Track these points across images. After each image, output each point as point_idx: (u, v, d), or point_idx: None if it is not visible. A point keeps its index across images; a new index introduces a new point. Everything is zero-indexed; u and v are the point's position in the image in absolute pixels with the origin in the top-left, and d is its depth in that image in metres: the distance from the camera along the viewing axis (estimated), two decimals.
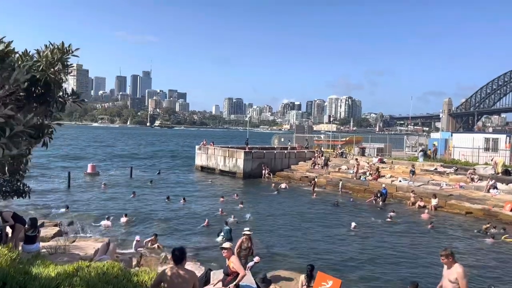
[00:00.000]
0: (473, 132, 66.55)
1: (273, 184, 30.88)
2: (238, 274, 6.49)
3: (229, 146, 42.59)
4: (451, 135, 38.70)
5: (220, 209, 20.84)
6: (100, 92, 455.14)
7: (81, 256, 9.70)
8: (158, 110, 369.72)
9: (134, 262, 11.68)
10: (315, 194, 27.59)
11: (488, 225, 18.73)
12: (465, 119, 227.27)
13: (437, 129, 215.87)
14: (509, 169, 27.63)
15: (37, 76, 3.63)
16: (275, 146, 43.81)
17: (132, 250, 14.43)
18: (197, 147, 42.87)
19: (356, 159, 33.43)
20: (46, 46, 3.85)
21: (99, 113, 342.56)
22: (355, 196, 27.25)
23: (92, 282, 6.24)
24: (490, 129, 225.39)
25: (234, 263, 6.62)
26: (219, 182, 33.25)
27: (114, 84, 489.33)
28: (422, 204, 23.71)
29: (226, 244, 7.09)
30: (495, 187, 24.30)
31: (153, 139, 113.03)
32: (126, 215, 18.84)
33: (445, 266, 6.49)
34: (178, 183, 32.52)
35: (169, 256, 11.98)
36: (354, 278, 12.24)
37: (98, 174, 34.87)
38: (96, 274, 6.77)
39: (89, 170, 35.06)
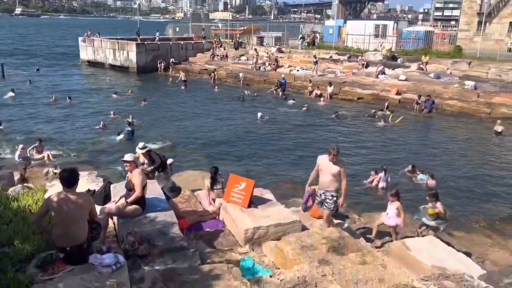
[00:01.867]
0: (364, 19, 69.19)
1: (170, 79, 29.18)
2: None
3: (118, 37, 38.40)
4: (345, 23, 39.45)
5: (112, 112, 18.81)
6: None
7: None
8: None
9: (17, 177, 10.16)
10: (216, 87, 26.79)
11: (380, 109, 20.20)
12: (353, 6, 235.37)
13: (327, 16, 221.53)
14: (395, 54, 29.52)
15: None
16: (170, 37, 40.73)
17: (16, 160, 12.60)
18: (80, 39, 37.96)
19: (255, 49, 32.69)
20: None
21: None
22: (255, 87, 27.10)
23: None
24: (375, 16, 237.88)
25: (135, 177, 5.77)
26: (110, 77, 30.44)
27: None
28: (319, 92, 24.44)
29: (129, 157, 6.13)
30: (383, 73, 25.87)
31: (22, 31, 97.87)
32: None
33: (326, 161, 6.60)
34: (63, 81, 29.02)
35: (55, 171, 10.62)
36: (263, 170, 12.34)
37: None
38: None
39: None
